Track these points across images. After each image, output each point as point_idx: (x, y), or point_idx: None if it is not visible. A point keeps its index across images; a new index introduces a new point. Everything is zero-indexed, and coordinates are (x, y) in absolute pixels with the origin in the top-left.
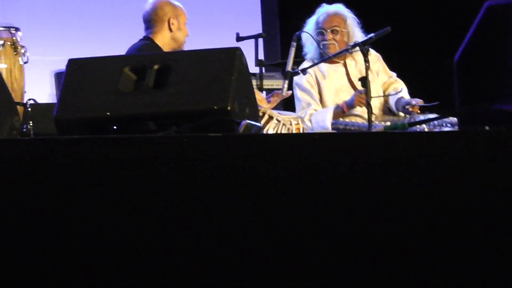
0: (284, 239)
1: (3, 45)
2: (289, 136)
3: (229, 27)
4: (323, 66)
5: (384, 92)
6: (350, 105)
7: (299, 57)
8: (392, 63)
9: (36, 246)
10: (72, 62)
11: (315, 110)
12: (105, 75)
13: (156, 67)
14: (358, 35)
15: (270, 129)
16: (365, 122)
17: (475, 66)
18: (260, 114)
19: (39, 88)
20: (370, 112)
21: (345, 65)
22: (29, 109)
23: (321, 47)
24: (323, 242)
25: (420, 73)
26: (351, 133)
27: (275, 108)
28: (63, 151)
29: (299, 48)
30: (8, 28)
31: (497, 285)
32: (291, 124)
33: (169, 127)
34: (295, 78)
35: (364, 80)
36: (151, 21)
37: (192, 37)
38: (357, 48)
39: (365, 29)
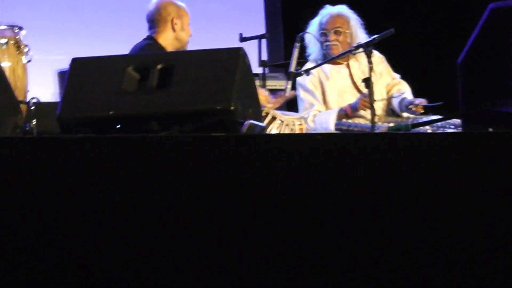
0: (286, 239)
1: (6, 43)
2: (292, 137)
3: (233, 27)
4: (326, 67)
5: (387, 93)
6: (355, 108)
7: (303, 58)
8: (395, 64)
9: (37, 244)
10: (75, 61)
11: (319, 111)
12: (108, 74)
13: (159, 67)
14: (362, 36)
15: (273, 130)
16: (368, 123)
17: (478, 67)
18: (264, 114)
19: (42, 87)
20: (373, 113)
21: (348, 66)
22: (32, 107)
23: (324, 48)
24: (326, 242)
25: (424, 75)
26: (354, 134)
27: (278, 108)
28: (66, 149)
29: (303, 49)
30: (11, 27)
31: (497, 285)
32: (294, 125)
33: (172, 127)
34: (299, 79)
35: (367, 81)
36: (154, 21)
37: (196, 37)
38: (361, 49)
39: (369, 30)
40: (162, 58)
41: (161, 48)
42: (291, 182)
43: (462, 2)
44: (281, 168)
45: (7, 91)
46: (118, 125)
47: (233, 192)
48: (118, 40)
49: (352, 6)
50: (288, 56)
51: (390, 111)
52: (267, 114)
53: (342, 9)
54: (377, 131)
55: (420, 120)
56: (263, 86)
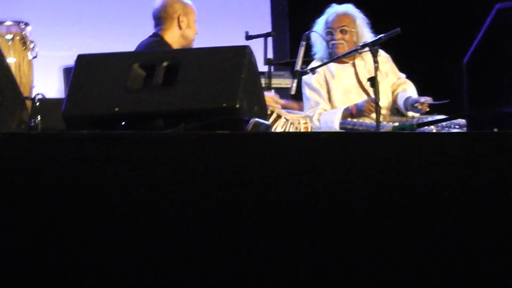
0: (290, 238)
1: (12, 39)
2: (297, 135)
3: (239, 25)
4: (332, 66)
5: (392, 93)
6: (360, 110)
7: (308, 57)
8: (400, 64)
9: (37, 242)
10: (81, 58)
11: (324, 110)
12: (113, 71)
13: (165, 64)
14: (368, 36)
15: (278, 128)
16: (373, 122)
17: (484, 68)
18: (269, 112)
19: (47, 83)
20: (378, 112)
21: (354, 65)
22: (37, 103)
23: (330, 46)
24: (329, 242)
25: (429, 74)
26: (359, 133)
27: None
28: (67, 147)
29: (309, 48)
30: (17, 22)
31: (497, 285)
32: (299, 123)
33: (177, 124)
34: (304, 77)
35: (373, 80)
36: (160, 18)
37: (202, 35)
38: (367, 48)
39: (375, 29)
40: (168, 56)
41: (167, 45)
42: (295, 180)
43: (467, 2)
44: (285, 166)
45: (12, 86)
46: (123, 122)
47: (238, 189)
48: (124, 37)
49: (358, 5)
50: (294, 55)
51: (395, 110)
52: (272, 112)
53: (348, 8)
54: (382, 130)
55: (425, 120)
56: (269, 85)
